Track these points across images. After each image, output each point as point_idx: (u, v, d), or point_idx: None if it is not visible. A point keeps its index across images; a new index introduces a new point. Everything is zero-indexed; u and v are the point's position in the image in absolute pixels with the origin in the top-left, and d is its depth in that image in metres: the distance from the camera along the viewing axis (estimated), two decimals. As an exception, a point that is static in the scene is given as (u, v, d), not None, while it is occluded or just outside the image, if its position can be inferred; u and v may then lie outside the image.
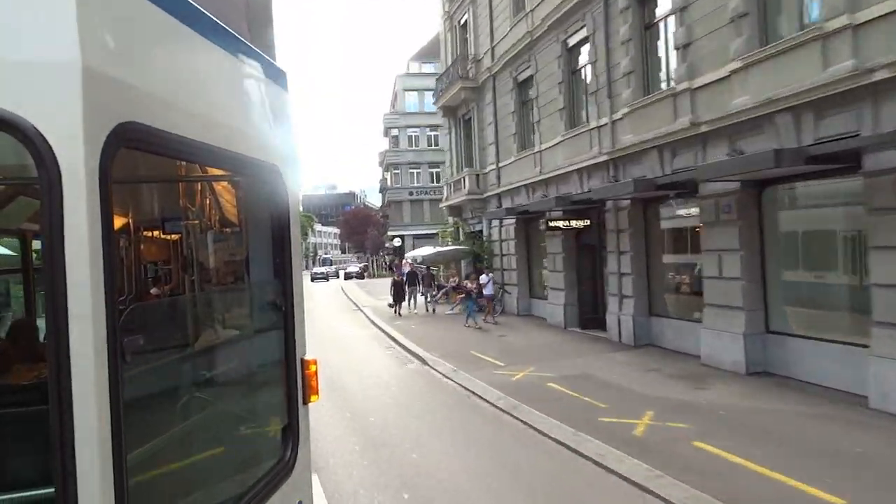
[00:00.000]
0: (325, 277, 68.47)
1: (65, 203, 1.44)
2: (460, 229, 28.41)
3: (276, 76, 2.77)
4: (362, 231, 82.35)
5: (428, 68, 67.95)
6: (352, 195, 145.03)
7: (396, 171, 64.50)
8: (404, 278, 23.94)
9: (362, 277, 65.61)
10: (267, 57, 2.73)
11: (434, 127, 65.88)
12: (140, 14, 1.81)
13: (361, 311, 26.65)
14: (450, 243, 28.68)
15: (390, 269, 71.60)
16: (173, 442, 2.53)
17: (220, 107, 2.26)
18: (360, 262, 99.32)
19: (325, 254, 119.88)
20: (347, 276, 66.48)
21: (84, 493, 1.46)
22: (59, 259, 1.44)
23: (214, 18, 2.22)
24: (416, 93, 65.40)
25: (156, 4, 1.86)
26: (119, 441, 1.53)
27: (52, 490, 1.45)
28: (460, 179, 26.72)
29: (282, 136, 2.72)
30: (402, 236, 64.12)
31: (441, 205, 29.51)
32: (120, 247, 3.54)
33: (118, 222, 2.91)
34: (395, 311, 23.33)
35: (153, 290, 4.48)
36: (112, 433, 1.52)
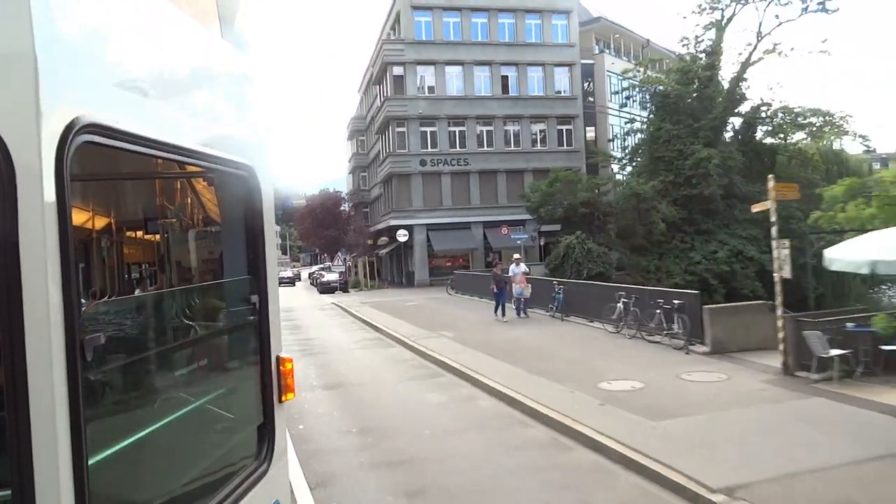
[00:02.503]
0: (292, 281, 59.84)
1: (19, 201, 1.39)
2: None
3: (247, 71, 2.73)
4: (331, 225, 59.82)
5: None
6: (290, 191, 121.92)
7: (401, 129, 42.76)
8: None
9: (346, 290, 43.34)
10: (238, 51, 2.68)
11: (457, 63, 44.63)
12: (99, 5, 1.74)
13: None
14: None
15: (378, 275, 49.67)
16: (144, 441, 2.34)
17: (187, 103, 2.21)
18: (312, 265, 76.21)
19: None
20: (325, 289, 44.05)
21: (42, 495, 1.41)
22: (13, 258, 1.38)
23: (180, 10, 2.14)
24: (429, 13, 44.05)
25: None
26: (79, 441, 1.49)
27: (8, 493, 1.42)
28: None
29: (254, 134, 2.70)
30: (409, 227, 42.52)
31: None
32: (101, 247, 3.46)
33: (97, 222, 3.19)
34: None
35: (153, 288, 4.30)
36: (71, 433, 1.47)
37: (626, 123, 46.35)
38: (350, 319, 23.56)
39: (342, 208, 63.08)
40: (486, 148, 43.57)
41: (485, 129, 43.67)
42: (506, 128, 43.97)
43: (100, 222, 3.39)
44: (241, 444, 2.73)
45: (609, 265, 32.00)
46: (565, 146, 44.67)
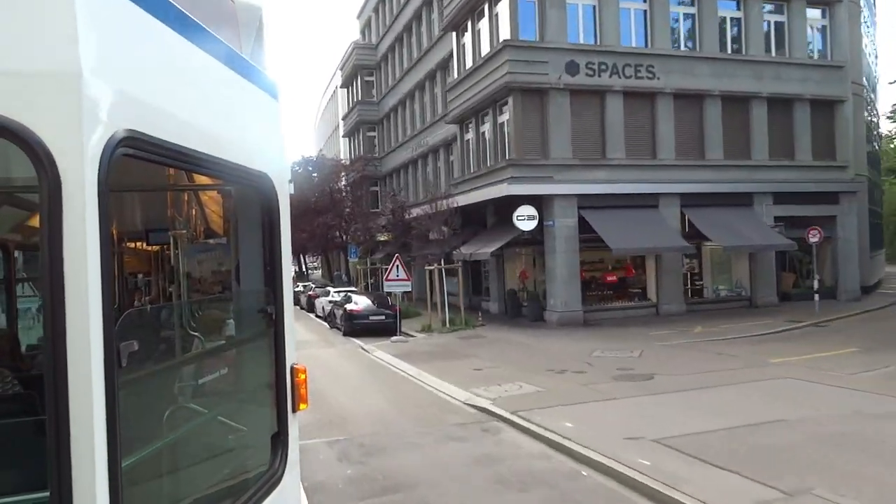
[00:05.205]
0: None
1: (64, 210, 1.45)
2: None
3: (267, 86, 2.84)
4: (328, 208, 37.84)
5: None
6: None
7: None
8: None
9: (396, 329, 21.17)
10: (259, 67, 2.81)
11: None
12: (140, 25, 1.83)
13: None
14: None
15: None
16: (160, 450, 2.50)
17: (215, 116, 2.30)
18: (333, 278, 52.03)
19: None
20: (358, 326, 21.70)
21: (80, 496, 1.44)
22: (58, 265, 1.44)
23: (209, 30, 2.25)
24: None
25: (155, 17, 1.87)
26: (115, 446, 1.53)
27: (47, 494, 1.46)
28: None
29: (272, 145, 2.81)
30: (538, 200, 21.30)
31: None
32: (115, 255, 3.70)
33: (116, 231, 3.20)
34: None
35: (147, 298, 4.31)
36: (108, 438, 1.51)
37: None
38: None
39: (342, 184, 41.00)
40: (683, 49, 22.37)
41: (683, 11, 22.40)
42: (720, 14, 22.78)
43: (118, 232, 3.26)
44: (256, 453, 2.77)
45: None
46: (816, 55, 23.89)
